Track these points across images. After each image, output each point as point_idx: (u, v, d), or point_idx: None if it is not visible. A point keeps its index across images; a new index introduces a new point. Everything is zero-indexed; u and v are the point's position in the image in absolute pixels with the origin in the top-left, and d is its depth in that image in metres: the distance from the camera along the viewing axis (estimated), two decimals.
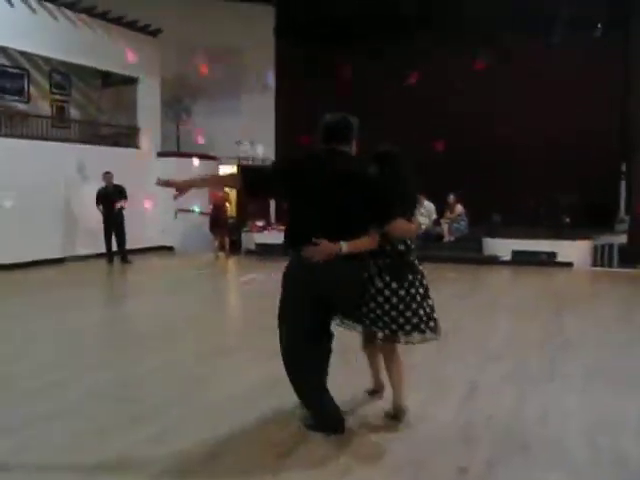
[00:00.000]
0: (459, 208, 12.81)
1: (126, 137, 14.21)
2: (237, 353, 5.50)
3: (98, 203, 12.00)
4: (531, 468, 3.17)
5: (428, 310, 3.67)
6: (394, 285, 3.60)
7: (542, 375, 4.76)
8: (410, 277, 3.63)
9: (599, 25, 13.74)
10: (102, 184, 12.04)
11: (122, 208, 12.06)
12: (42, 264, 11.41)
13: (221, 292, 10.09)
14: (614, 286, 10.15)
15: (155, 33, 14.19)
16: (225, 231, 13.05)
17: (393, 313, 3.59)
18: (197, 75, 15.02)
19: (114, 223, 12.04)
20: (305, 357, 3.50)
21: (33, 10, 11.85)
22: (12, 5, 11.44)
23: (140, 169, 14.15)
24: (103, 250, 12.10)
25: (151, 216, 14.38)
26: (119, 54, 13.47)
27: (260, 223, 14.49)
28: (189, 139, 15.60)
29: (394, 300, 3.59)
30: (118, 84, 14.37)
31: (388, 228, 3.47)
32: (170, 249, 14.51)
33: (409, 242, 3.70)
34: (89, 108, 14.52)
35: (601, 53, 13.83)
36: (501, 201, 13.42)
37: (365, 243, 3.41)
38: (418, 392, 4.11)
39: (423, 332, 3.64)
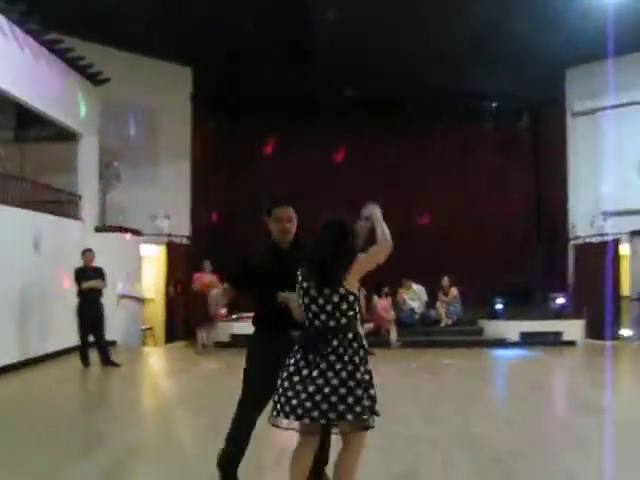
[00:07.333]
0: (454, 291, 12.48)
1: (60, 205, 11.21)
2: None
3: (77, 285, 9.21)
4: None
5: None
6: None
7: None
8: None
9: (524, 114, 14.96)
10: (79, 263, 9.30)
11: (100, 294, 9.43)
12: None
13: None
14: None
15: (102, 82, 11.67)
16: (216, 321, 10.82)
17: None
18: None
19: (93, 314, 9.27)
20: None
21: None
22: None
23: (79, 245, 11.20)
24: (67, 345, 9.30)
25: None
26: (67, 101, 10.84)
27: (223, 311, 12.34)
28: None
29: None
30: (47, 139, 11.40)
31: None
32: (112, 344, 11.52)
33: None
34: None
35: (517, 141, 14.91)
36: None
37: None
38: None
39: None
